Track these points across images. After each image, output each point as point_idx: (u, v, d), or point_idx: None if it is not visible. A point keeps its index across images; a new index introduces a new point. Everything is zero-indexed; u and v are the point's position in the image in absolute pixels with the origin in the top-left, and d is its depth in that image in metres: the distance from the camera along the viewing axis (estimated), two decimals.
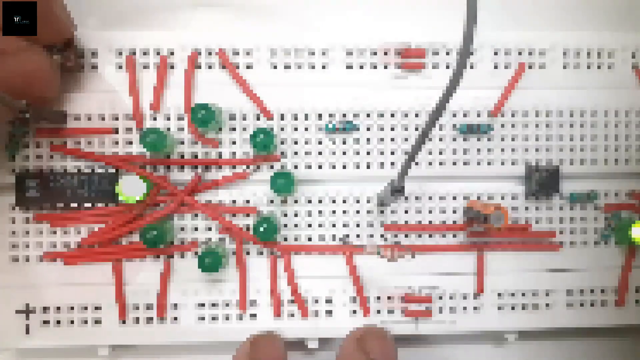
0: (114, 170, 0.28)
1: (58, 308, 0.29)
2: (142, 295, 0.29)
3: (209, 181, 0.29)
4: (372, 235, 0.29)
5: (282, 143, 0.29)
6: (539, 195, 0.30)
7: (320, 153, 0.29)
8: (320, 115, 0.29)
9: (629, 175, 0.31)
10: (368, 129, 0.29)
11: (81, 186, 0.28)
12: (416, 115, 0.29)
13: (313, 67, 0.29)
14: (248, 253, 0.29)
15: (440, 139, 0.30)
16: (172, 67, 0.29)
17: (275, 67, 0.29)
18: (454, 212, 0.30)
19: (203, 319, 0.29)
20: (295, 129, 0.29)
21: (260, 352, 0.26)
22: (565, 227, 0.30)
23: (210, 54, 0.29)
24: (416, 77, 0.29)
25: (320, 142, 0.29)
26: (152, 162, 0.28)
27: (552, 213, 0.30)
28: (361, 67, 0.29)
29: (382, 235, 0.29)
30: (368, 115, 0.29)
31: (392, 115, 0.29)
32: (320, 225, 0.29)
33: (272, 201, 0.29)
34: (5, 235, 0.28)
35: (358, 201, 0.29)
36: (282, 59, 0.29)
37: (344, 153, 0.29)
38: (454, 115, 0.29)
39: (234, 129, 0.29)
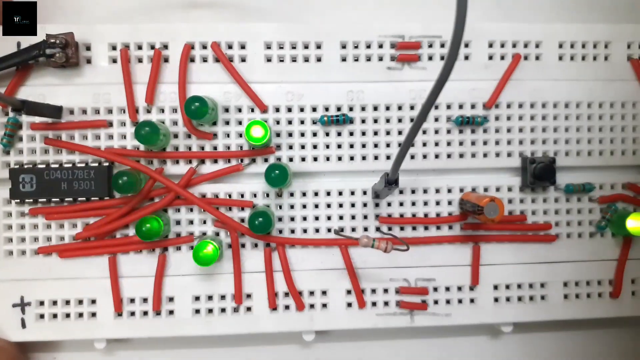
0: (108, 164, 0.28)
1: (54, 302, 0.29)
2: (138, 288, 0.29)
3: (203, 174, 0.29)
4: (367, 228, 0.29)
5: (277, 136, 0.29)
6: (534, 187, 0.30)
7: (315, 146, 0.29)
8: (314, 108, 0.29)
9: (625, 167, 0.31)
10: (363, 122, 0.29)
11: (76, 180, 0.28)
12: (411, 108, 0.29)
13: (307, 60, 0.29)
14: (243, 246, 0.29)
15: (436, 132, 0.29)
16: (166, 60, 0.29)
17: (269, 60, 0.29)
18: (449, 204, 0.30)
19: (198, 312, 0.29)
20: (290, 122, 0.29)
21: None
22: (561, 219, 0.30)
23: (204, 47, 0.29)
24: (411, 70, 0.29)
25: (315, 135, 0.29)
26: (147, 156, 0.28)
27: (547, 205, 0.30)
28: (356, 60, 0.29)
29: (377, 228, 0.29)
30: (363, 108, 0.29)
31: (387, 108, 0.29)
32: (315, 218, 0.29)
33: (267, 194, 0.29)
34: None
35: (353, 194, 0.29)
36: (276, 52, 0.29)
37: (339, 146, 0.29)
38: (449, 107, 0.29)
39: (229, 122, 0.29)
